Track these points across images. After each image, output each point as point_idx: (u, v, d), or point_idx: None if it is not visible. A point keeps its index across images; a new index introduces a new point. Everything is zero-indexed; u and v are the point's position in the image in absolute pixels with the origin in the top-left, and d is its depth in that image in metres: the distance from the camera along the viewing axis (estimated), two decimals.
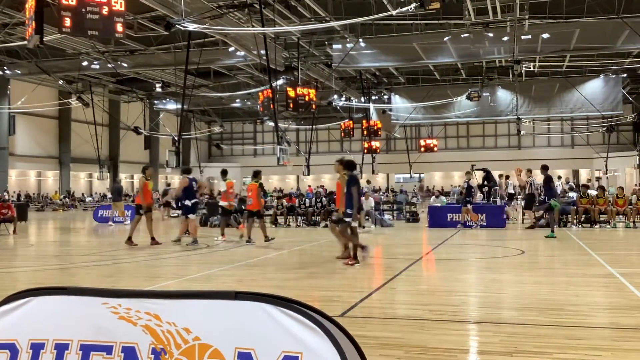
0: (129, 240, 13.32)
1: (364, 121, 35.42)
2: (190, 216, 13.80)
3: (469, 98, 30.79)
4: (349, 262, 9.57)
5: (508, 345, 4.63)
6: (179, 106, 26.10)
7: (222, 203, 15.66)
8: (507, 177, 23.99)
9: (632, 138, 43.39)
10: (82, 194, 43.24)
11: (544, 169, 15.33)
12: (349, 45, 25.57)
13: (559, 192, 19.82)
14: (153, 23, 23.95)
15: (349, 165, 10.09)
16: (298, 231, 18.24)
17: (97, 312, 2.44)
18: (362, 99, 34.91)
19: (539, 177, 17.73)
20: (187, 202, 13.61)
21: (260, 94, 25.71)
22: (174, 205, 20.09)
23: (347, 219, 9.63)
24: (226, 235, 14.74)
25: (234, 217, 20.73)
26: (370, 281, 8.71)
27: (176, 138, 25.03)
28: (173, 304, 2.41)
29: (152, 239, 13.46)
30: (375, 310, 6.36)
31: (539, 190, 17.93)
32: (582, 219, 18.17)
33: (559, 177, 25.61)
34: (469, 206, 18.14)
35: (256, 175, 14.18)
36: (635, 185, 37.30)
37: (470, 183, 18.33)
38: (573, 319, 5.59)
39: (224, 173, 15.52)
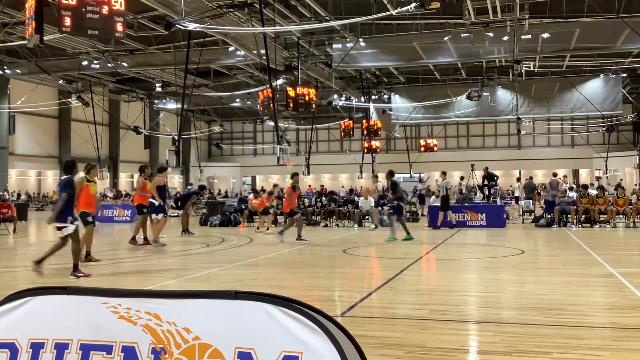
0: (133, 239, 13.39)
1: (364, 121, 35.41)
2: (155, 215, 13.29)
3: (469, 98, 30.76)
4: (78, 274, 8.56)
5: (508, 345, 4.63)
6: (179, 106, 26.07)
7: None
8: (462, 177, 25.53)
9: (632, 138, 43.41)
10: None
11: (390, 174, 15.09)
12: (349, 45, 25.56)
13: (559, 193, 19.80)
14: (153, 22, 23.93)
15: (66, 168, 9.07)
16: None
17: (97, 312, 2.44)
18: (362, 99, 34.88)
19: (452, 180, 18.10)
20: (156, 202, 13.17)
21: (260, 93, 25.72)
22: (172, 205, 19.90)
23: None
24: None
25: (233, 217, 20.78)
26: (370, 281, 8.71)
27: (176, 137, 25.00)
28: (173, 304, 2.41)
29: (138, 239, 13.38)
30: (376, 310, 6.36)
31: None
32: (582, 218, 18.17)
33: (565, 177, 25.55)
34: (385, 208, 18.44)
35: (293, 176, 14.48)
36: (635, 185, 37.31)
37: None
38: (573, 318, 5.59)
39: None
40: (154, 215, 13.23)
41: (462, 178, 26.52)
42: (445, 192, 18.58)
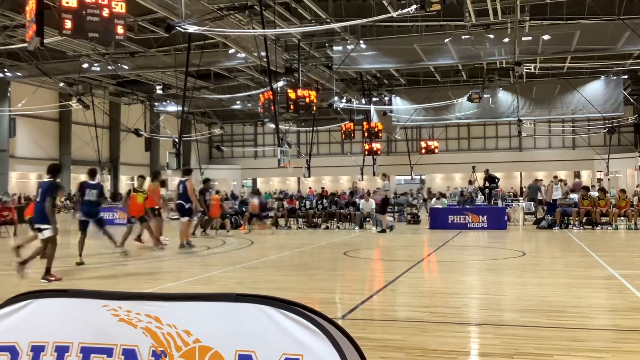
0: (139, 238, 14.13)
1: (364, 123, 35.40)
2: (183, 219, 13.74)
3: (469, 99, 30.77)
4: (50, 278, 8.50)
5: (509, 347, 4.62)
6: (180, 108, 26.10)
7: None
8: (423, 180, 25.58)
9: (633, 139, 43.37)
10: None
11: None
12: (349, 47, 25.58)
13: (560, 194, 19.73)
14: (153, 25, 23.94)
15: None
16: (299, 233, 18.24)
17: (97, 315, 2.44)
18: (363, 101, 34.89)
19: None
20: (186, 205, 13.57)
21: (260, 95, 25.71)
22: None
23: None
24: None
25: (234, 219, 20.76)
26: (371, 283, 8.70)
27: (177, 140, 25.01)
28: (173, 306, 2.41)
29: (167, 241, 14.26)
30: (376, 312, 6.35)
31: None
32: (584, 220, 18.14)
33: (555, 177, 25.33)
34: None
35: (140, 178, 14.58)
36: (637, 186, 37.23)
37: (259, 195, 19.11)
38: (574, 320, 5.58)
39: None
40: (184, 219, 13.70)
41: (422, 181, 26.89)
42: (384, 194, 18.71)
